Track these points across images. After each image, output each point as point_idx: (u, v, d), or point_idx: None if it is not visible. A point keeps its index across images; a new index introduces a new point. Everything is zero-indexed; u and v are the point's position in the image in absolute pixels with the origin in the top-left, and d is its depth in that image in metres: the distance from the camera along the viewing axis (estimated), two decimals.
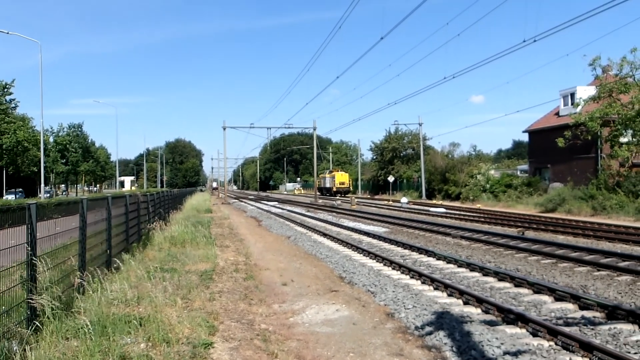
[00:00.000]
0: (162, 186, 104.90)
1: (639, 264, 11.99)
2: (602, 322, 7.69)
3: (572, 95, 36.48)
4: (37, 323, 5.73)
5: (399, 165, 65.66)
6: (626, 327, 7.29)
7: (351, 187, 75.20)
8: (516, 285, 10.23)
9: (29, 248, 5.72)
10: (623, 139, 28.98)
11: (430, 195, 51.97)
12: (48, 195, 50.93)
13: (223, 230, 22.63)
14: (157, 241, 15.02)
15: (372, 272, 12.14)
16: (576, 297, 8.73)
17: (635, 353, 6.30)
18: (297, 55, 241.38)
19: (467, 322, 7.65)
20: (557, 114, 38.83)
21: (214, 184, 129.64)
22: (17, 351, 5.16)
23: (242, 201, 62.01)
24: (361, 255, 15.20)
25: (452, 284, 10.02)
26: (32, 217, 5.76)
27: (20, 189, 52.94)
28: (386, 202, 48.43)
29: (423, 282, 10.83)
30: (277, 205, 47.65)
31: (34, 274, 5.80)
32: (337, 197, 64.89)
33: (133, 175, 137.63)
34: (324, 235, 20.59)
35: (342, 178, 74.32)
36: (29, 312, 5.72)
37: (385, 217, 28.74)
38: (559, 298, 8.99)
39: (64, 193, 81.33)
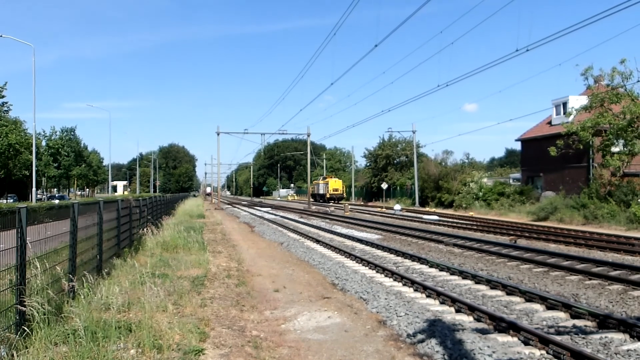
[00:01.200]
0: (155, 191, 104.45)
1: (630, 273, 12.06)
2: (594, 331, 7.72)
3: (565, 104, 36.77)
4: (26, 328, 5.66)
5: (392, 173, 65.81)
6: (617, 336, 7.32)
7: (345, 194, 75.21)
8: (508, 294, 10.25)
9: (19, 252, 5.67)
10: (614, 149, 29.20)
11: (423, 203, 52.09)
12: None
13: (216, 236, 22.55)
14: (149, 246, 14.95)
15: (365, 279, 12.12)
16: (568, 305, 8.76)
17: None
18: (292, 61, 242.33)
19: (459, 330, 7.64)
20: (550, 123, 39.09)
21: (208, 190, 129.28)
22: (5, 357, 5.10)
23: (235, 207, 61.89)
24: (354, 262, 15.18)
25: (445, 292, 10.03)
26: (23, 221, 5.73)
27: (13, 194, 51.37)
28: (379, 209, 48.47)
29: (415, 290, 10.83)
30: (270, 211, 47.57)
31: (23, 278, 5.75)
32: (331, 204, 64.88)
33: (126, 180, 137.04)
34: (317, 241, 20.56)
35: (335, 184, 74.34)
36: (17, 317, 5.66)
37: (379, 224, 28.76)
38: (550, 307, 9.02)
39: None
